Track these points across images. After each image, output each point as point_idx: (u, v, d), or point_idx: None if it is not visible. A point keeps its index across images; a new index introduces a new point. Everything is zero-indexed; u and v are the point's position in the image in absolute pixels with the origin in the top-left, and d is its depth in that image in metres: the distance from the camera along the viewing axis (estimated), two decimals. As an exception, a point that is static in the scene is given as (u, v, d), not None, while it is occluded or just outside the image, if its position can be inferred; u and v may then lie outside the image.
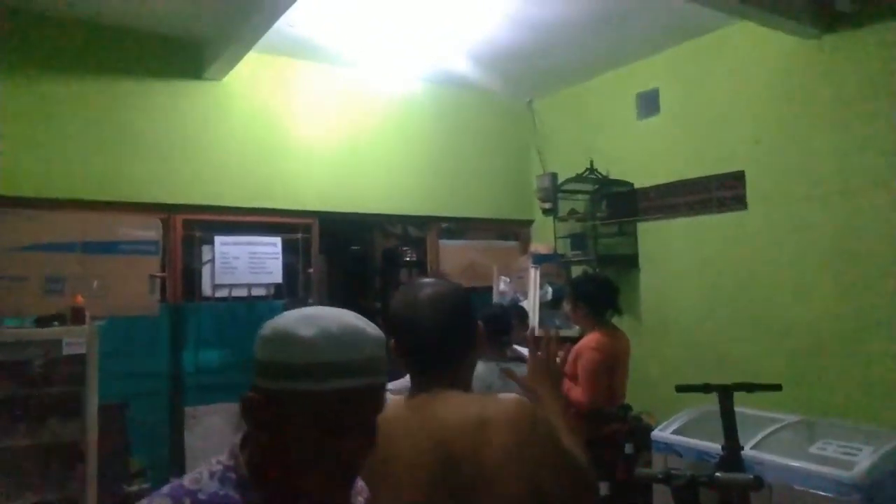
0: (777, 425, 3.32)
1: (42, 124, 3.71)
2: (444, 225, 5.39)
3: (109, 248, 3.87)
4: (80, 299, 3.46)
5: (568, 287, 3.47)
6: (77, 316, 3.40)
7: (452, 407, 1.26)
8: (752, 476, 1.79)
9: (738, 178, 4.10)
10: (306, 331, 0.92)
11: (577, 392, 3.13)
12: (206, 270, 4.28)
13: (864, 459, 2.85)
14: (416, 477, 1.20)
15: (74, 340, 3.32)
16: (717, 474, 1.84)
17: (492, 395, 1.30)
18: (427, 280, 1.44)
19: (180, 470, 3.92)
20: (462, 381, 1.37)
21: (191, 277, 4.25)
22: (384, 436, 1.02)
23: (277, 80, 4.54)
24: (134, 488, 3.68)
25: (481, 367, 3.03)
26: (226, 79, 4.25)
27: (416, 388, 1.34)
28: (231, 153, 4.30)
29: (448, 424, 1.22)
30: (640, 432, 2.93)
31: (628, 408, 2.63)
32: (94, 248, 3.82)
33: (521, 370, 3.04)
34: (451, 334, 1.34)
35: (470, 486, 1.16)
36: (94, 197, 3.84)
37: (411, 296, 1.37)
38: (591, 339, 3.24)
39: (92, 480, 3.36)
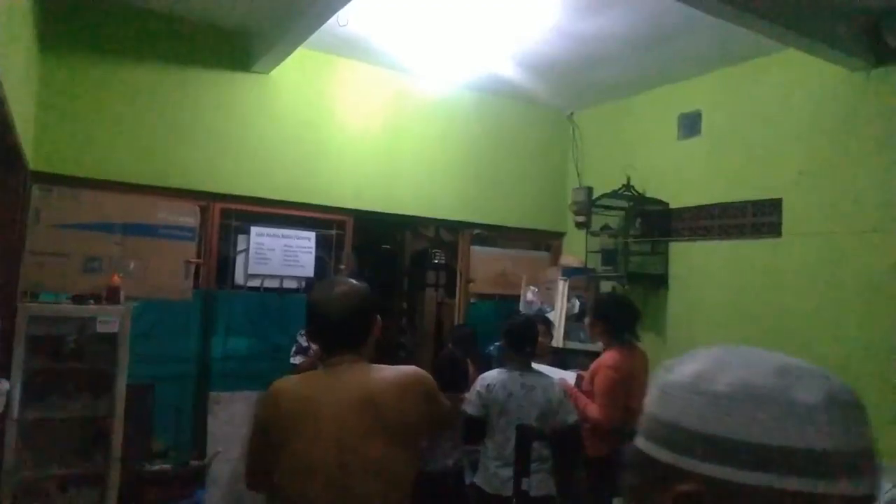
0: None
1: (90, 107, 3.81)
2: (476, 231, 5.40)
3: (149, 231, 3.96)
4: (116, 279, 3.56)
5: (590, 303, 3.50)
6: (112, 295, 3.49)
7: (372, 372, 1.70)
8: None
9: (775, 206, 4.04)
10: (809, 394, 0.61)
11: (593, 409, 3.14)
12: (240, 259, 4.35)
13: (885, 498, 2.79)
14: (347, 422, 1.59)
15: (108, 319, 3.41)
16: None
17: (396, 366, 1.76)
18: (341, 279, 1.87)
19: (201, 453, 4.00)
20: (365, 358, 1.76)
21: (225, 265, 4.32)
22: (309, 392, 1.65)
23: (324, 77, 4.60)
24: (155, 468, 3.77)
25: (504, 376, 3.08)
26: (273, 72, 4.31)
27: (328, 360, 1.73)
28: (273, 146, 4.36)
29: (372, 384, 1.65)
30: None
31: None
32: (133, 231, 3.91)
33: (542, 382, 3.07)
34: (354, 324, 1.73)
35: (394, 424, 1.61)
36: (136, 180, 3.93)
37: (326, 292, 1.76)
38: (608, 357, 3.26)
39: (116, 457, 3.45)
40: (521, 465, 2.50)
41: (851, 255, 3.63)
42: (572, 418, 3.07)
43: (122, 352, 3.47)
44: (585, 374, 3.38)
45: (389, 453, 1.58)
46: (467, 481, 3.41)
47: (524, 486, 2.48)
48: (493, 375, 3.11)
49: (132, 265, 3.87)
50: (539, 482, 2.92)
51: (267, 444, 1.64)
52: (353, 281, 1.81)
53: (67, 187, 3.72)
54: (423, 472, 3.44)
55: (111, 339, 3.47)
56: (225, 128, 4.21)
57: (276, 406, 1.65)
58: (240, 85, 4.27)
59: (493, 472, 2.97)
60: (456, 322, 5.35)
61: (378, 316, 1.79)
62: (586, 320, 3.51)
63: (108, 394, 3.48)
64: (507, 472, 2.86)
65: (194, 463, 3.95)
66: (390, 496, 1.59)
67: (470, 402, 3.09)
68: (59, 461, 3.43)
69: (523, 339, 3.17)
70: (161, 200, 4.01)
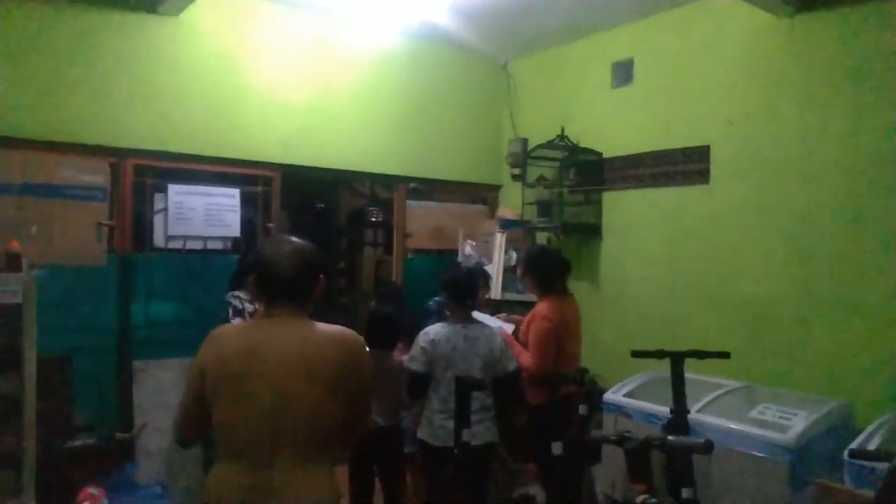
0: (721, 391, 3.45)
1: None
2: (411, 185, 5.26)
3: (52, 191, 3.65)
4: (15, 244, 3.25)
5: (524, 257, 3.57)
6: (12, 262, 3.20)
7: (310, 327, 1.83)
8: (702, 440, 1.82)
9: (704, 153, 4.08)
10: None
11: (526, 357, 3.20)
12: (158, 220, 4.08)
13: (798, 424, 2.99)
14: (284, 365, 1.74)
15: (8, 289, 3.13)
16: (670, 438, 1.87)
17: (333, 325, 1.87)
18: (289, 238, 1.93)
19: (128, 424, 3.81)
20: (306, 314, 1.88)
21: (142, 227, 4.06)
22: (252, 335, 1.80)
23: (242, 21, 4.29)
24: (77, 443, 3.57)
25: (448, 329, 3.06)
26: (182, 15, 3.98)
27: (271, 312, 1.85)
28: (188, 97, 4.07)
29: (308, 337, 1.80)
30: (595, 395, 2.98)
31: (585, 371, 2.68)
32: (33, 191, 3.59)
33: (484, 332, 3.05)
34: (301, 281, 1.85)
35: (323, 374, 1.75)
36: (34, 136, 3.60)
37: (277, 248, 1.88)
38: (542, 307, 3.37)
39: (30, 435, 3.21)
40: (462, 416, 2.46)
41: (775, 199, 3.71)
42: (513, 366, 3.10)
43: (27, 324, 3.19)
44: (522, 324, 3.40)
45: (318, 399, 1.74)
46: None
47: (465, 437, 2.44)
48: (436, 330, 3.08)
49: (34, 229, 3.57)
50: (484, 431, 2.95)
51: (203, 389, 1.78)
52: (302, 241, 1.93)
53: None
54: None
55: (16, 311, 3.20)
56: (132, 77, 3.89)
57: (217, 349, 1.79)
58: (146, 29, 3.93)
59: (438, 426, 2.96)
60: (394, 279, 5.26)
61: (322, 276, 1.91)
62: (518, 272, 3.57)
63: (15, 369, 3.22)
64: (453, 425, 2.84)
65: (120, 436, 3.76)
66: (313, 436, 1.75)
67: (414, 359, 3.05)
68: (-32, 443, 3.18)
69: (465, 290, 3.15)
70: (65, 157, 3.69)
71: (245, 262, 3.86)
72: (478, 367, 2.99)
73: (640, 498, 1.33)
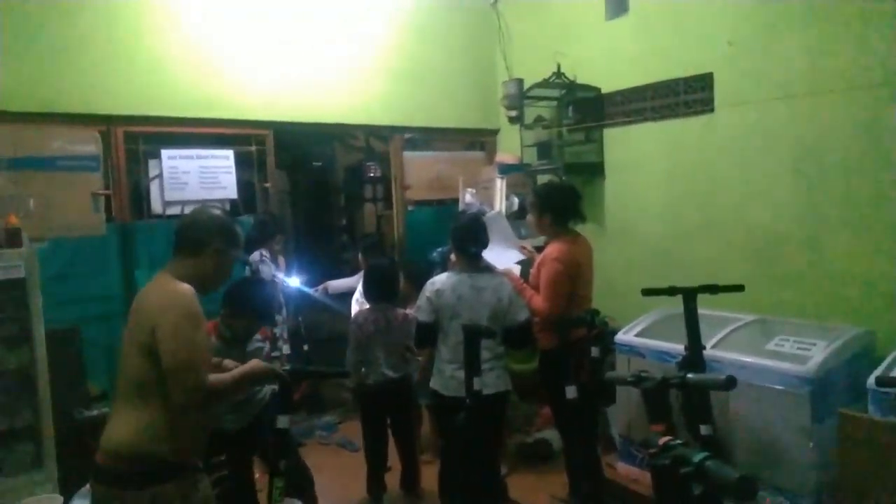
0: (736, 325, 3.39)
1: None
2: (407, 136, 5.17)
3: (45, 163, 3.59)
4: (14, 220, 3.22)
5: (532, 196, 3.38)
6: (12, 238, 3.17)
7: (162, 282, 1.88)
8: (723, 376, 1.76)
9: (706, 81, 3.97)
10: None
11: (538, 301, 3.09)
12: (154, 186, 4.03)
13: (817, 354, 2.94)
14: (130, 322, 1.88)
15: (12, 264, 3.11)
16: (689, 376, 1.80)
17: (178, 284, 1.85)
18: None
19: (142, 392, 3.83)
20: (187, 274, 1.89)
21: (139, 194, 4.01)
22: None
23: (220, -24, 4.14)
24: (93, 413, 3.59)
25: (453, 279, 3.03)
26: (160, -27, 3.85)
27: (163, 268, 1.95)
28: (171, 58, 3.97)
29: (150, 291, 1.89)
30: (607, 336, 2.92)
31: (596, 312, 2.60)
32: (26, 164, 3.54)
33: (493, 282, 3.01)
34: (180, 238, 1.95)
35: (138, 334, 1.81)
36: (22, 108, 3.52)
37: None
38: (553, 249, 3.18)
39: (45, 406, 3.24)
40: (471, 364, 2.44)
41: (782, 122, 3.61)
42: (523, 316, 3.02)
43: (33, 298, 3.19)
44: (534, 263, 3.30)
45: (129, 354, 1.85)
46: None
47: (476, 386, 2.43)
48: (442, 280, 3.04)
49: (31, 203, 3.52)
50: (495, 379, 2.92)
51: None
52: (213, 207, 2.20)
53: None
54: (364, 384, 3.43)
55: (20, 285, 3.18)
56: (113, 41, 3.78)
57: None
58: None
59: (449, 375, 2.95)
60: (396, 232, 5.22)
61: (221, 247, 1.95)
62: (529, 218, 3.38)
63: (25, 343, 3.22)
64: (463, 374, 2.76)
65: (136, 403, 3.78)
66: (124, 386, 1.87)
67: (420, 309, 3.03)
68: (-14, 419, 3.20)
69: (469, 239, 3.06)
70: (55, 128, 3.63)
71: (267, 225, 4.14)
72: (485, 316, 2.93)
73: (662, 440, 1.29)
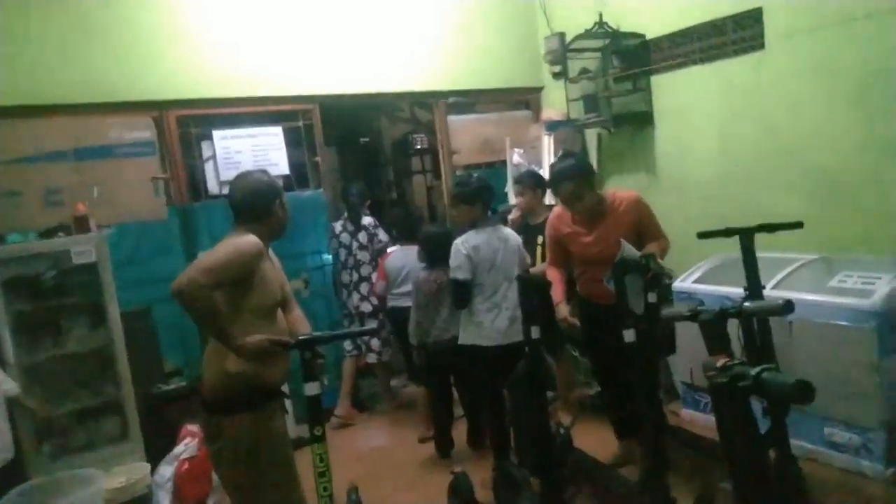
0: (797, 264, 3.30)
1: (14, 28, 3.50)
2: (451, 99, 5.14)
3: (104, 152, 3.74)
4: (81, 207, 3.39)
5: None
6: (81, 225, 3.34)
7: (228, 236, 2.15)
8: (781, 301, 1.70)
9: (755, 16, 3.78)
10: None
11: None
12: (209, 167, 4.15)
13: (882, 287, 2.83)
14: None
15: (83, 249, 3.28)
16: (746, 304, 1.77)
17: (239, 235, 2.10)
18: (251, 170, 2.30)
19: (214, 367, 3.99)
20: (258, 233, 2.12)
21: (195, 176, 4.13)
22: None
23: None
24: (171, 387, 3.77)
25: (484, 235, 3.18)
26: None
27: None
28: (213, 40, 4.04)
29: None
30: (664, 279, 2.83)
31: (651, 255, 2.53)
32: (87, 154, 3.70)
33: (508, 233, 3.25)
34: (240, 204, 2.17)
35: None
36: (78, 100, 3.66)
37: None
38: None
39: (126, 382, 3.43)
40: (528, 315, 2.46)
41: (842, 49, 3.41)
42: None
43: (106, 280, 3.36)
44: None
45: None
46: None
47: (534, 335, 2.44)
48: (471, 237, 3.20)
49: (96, 191, 3.68)
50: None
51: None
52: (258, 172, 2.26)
53: (3, 118, 3.47)
54: (426, 344, 3.50)
55: (92, 269, 3.35)
56: (161, 27, 3.88)
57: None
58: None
59: (488, 325, 3.09)
60: (446, 200, 5.22)
61: (279, 204, 2.21)
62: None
63: (102, 324, 3.41)
64: (502, 322, 3.07)
65: (208, 377, 3.95)
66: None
67: (459, 268, 3.15)
68: (73, 396, 3.41)
69: (491, 196, 3.40)
70: (110, 117, 3.76)
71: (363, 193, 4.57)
72: (515, 262, 3.19)
73: (720, 362, 1.27)
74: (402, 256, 4.08)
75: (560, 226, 3.09)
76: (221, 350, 2.00)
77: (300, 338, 2.05)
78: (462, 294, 3.17)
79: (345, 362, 4.43)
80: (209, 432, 2.12)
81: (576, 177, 2.87)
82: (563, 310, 2.96)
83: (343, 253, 4.44)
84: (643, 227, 2.96)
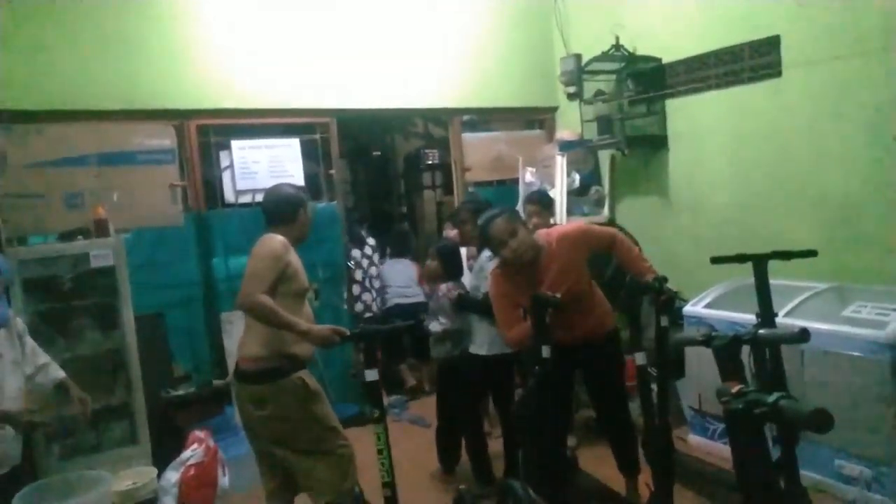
0: (809, 293, 3.27)
1: (45, 35, 3.58)
2: (465, 117, 5.19)
3: (126, 158, 3.81)
4: (101, 211, 3.44)
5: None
6: (101, 228, 3.39)
7: (263, 238, 2.48)
8: (797, 329, 1.69)
9: (772, 44, 3.82)
10: None
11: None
12: (226, 176, 4.21)
13: None
14: None
15: (101, 252, 3.33)
16: (760, 331, 1.76)
17: (272, 237, 2.45)
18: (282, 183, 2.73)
19: (223, 372, 4.02)
20: (288, 235, 2.49)
21: (212, 185, 4.19)
22: None
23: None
24: (180, 392, 3.80)
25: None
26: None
27: None
28: (236, 53, 4.12)
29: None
30: (676, 303, 2.82)
31: (664, 279, 2.54)
32: (109, 160, 3.76)
33: None
34: (272, 210, 2.54)
35: None
36: (102, 107, 3.73)
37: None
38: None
39: (137, 386, 3.46)
40: (540, 333, 2.47)
41: (856, 81, 3.45)
42: None
43: (122, 284, 3.40)
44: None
45: None
46: None
47: (545, 354, 2.45)
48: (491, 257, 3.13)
49: (115, 196, 3.74)
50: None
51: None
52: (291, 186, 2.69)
53: (29, 123, 3.54)
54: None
55: (109, 273, 3.40)
56: (186, 39, 3.95)
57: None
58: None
59: (496, 334, 3.06)
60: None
61: (305, 212, 2.57)
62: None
63: (117, 327, 3.44)
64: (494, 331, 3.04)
65: (217, 382, 3.98)
66: None
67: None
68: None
69: None
70: (133, 124, 3.83)
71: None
72: None
73: (735, 388, 1.28)
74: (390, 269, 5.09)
75: (504, 282, 2.78)
76: (262, 329, 2.36)
77: (356, 331, 2.48)
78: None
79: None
80: (255, 400, 2.41)
81: (505, 211, 2.73)
82: None
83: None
84: (599, 249, 2.84)
